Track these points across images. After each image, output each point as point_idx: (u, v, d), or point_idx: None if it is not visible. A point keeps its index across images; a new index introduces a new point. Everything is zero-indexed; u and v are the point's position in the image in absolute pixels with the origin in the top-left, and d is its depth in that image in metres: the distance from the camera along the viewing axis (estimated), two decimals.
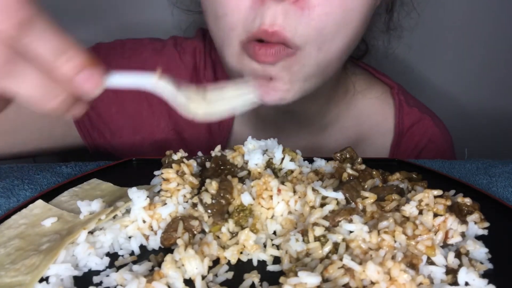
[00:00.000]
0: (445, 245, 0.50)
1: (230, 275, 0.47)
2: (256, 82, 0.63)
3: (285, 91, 0.71)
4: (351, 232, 0.49)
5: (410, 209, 0.51)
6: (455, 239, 0.49)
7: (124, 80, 0.49)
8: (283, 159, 0.63)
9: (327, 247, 0.47)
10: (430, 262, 0.46)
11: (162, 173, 0.58)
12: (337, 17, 0.66)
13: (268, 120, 0.96)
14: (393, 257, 0.45)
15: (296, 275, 0.43)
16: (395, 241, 0.47)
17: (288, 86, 0.70)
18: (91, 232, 0.52)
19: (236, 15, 0.67)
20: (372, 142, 0.98)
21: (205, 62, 0.95)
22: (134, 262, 0.49)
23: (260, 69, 0.69)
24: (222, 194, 0.54)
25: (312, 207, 0.54)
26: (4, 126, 0.85)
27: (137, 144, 0.97)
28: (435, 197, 0.52)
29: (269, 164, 0.62)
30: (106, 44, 0.97)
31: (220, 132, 0.97)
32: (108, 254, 0.50)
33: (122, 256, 0.51)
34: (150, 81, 0.51)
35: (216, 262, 0.49)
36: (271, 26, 0.64)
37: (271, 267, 0.49)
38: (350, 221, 0.50)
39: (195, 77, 0.95)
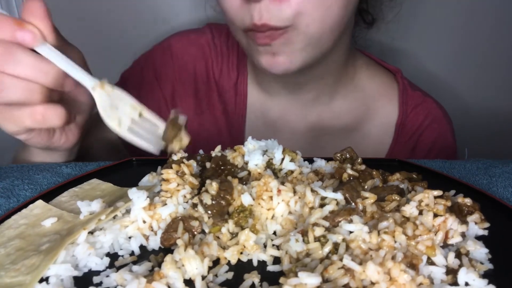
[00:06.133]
0: (445, 245, 0.49)
1: (230, 275, 0.47)
2: (263, 58, 0.83)
3: (288, 63, 0.83)
4: (351, 232, 0.49)
5: (410, 209, 0.50)
6: (455, 239, 0.49)
7: (57, 59, 0.59)
8: (283, 159, 0.63)
9: (327, 248, 0.47)
10: (430, 262, 0.46)
11: (162, 173, 0.58)
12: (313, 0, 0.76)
13: (278, 99, 1.02)
14: (393, 257, 0.45)
15: (296, 275, 0.42)
16: (395, 241, 0.47)
17: (289, 58, 0.82)
18: (91, 233, 0.52)
19: (232, 12, 0.80)
20: (378, 122, 1.04)
21: (217, 51, 1.05)
22: (134, 263, 0.49)
23: (262, 49, 0.81)
24: (222, 195, 0.54)
25: (312, 208, 0.54)
26: None
27: None
28: (435, 197, 0.52)
29: (269, 165, 0.62)
30: (127, 71, 1.08)
31: (236, 111, 1.05)
32: (108, 255, 0.50)
33: (122, 256, 0.51)
34: (89, 84, 0.61)
35: (216, 262, 0.49)
36: (259, 20, 0.76)
37: (271, 268, 0.49)
38: (350, 221, 0.50)
39: (204, 68, 1.04)
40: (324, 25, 0.79)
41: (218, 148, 0.65)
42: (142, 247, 0.52)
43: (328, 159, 0.66)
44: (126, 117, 0.63)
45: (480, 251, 0.49)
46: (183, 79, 1.04)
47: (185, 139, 0.63)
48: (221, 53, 1.05)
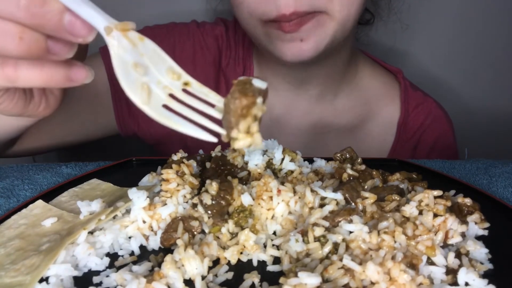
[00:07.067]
0: (445, 245, 0.49)
1: (230, 275, 0.47)
2: (286, 45, 0.79)
3: (314, 50, 0.81)
4: (351, 232, 0.49)
5: (410, 209, 0.50)
6: (455, 239, 0.49)
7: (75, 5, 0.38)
8: (283, 159, 0.63)
9: (327, 248, 0.47)
10: (430, 262, 0.46)
11: (162, 173, 0.58)
12: None
13: (283, 95, 1.03)
14: (393, 258, 0.45)
15: (296, 275, 0.42)
16: (395, 242, 0.47)
17: (316, 44, 0.80)
18: (91, 233, 0.52)
19: (253, 4, 0.78)
20: (380, 120, 1.06)
21: (228, 44, 1.05)
22: (134, 263, 0.49)
23: (289, 37, 0.79)
24: (222, 195, 0.54)
25: (311, 208, 0.54)
26: (60, 117, 0.91)
27: (165, 134, 1.02)
28: (435, 197, 0.52)
29: (269, 165, 0.62)
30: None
31: None
32: (108, 255, 0.50)
33: (122, 256, 0.51)
34: (100, 23, 0.39)
35: (216, 262, 0.49)
36: (287, 9, 0.75)
37: (271, 268, 0.49)
38: (350, 221, 0.50)
39: (218, 57, 1.04)
40: (351, 9, 0.80)
41: (218, 148, 0.65)
42: (142, 247, 0.52)
43: (328, 159, 0.66)
44: (160, 87, 0.41)
45: (480, 251, 0.49)
46: (197, 62, 1.04)
47: (257, 137, 0.40)
48: (229, 46, 1.05)
